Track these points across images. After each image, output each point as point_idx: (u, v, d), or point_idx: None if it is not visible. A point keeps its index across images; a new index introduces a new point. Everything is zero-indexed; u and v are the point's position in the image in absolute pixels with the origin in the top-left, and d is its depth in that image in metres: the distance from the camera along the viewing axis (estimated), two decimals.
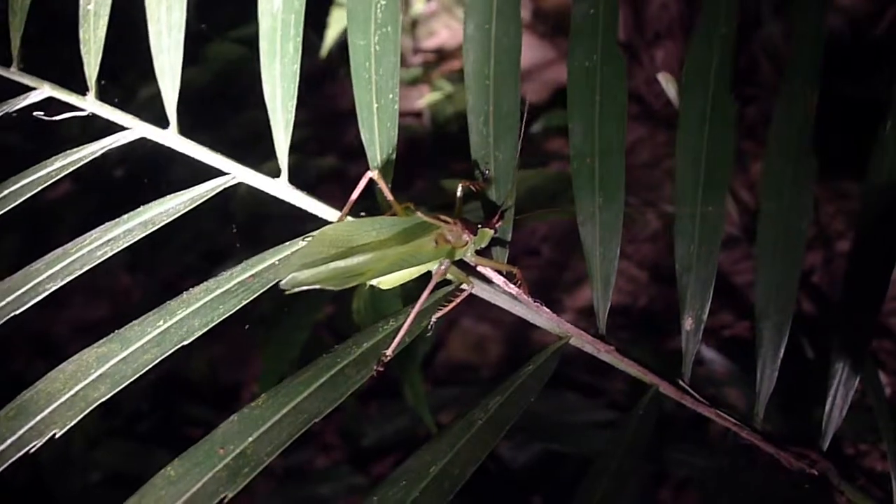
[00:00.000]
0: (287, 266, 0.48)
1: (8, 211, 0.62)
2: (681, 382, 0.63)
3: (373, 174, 0.55)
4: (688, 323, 0.63)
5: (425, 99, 1.95)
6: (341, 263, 0.49)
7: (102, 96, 0.70)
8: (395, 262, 0.52)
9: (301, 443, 0.50)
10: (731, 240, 1.34)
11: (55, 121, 0.68)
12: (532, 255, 1.81)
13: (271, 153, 0.66)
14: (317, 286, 0.47)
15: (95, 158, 0.66)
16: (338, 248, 0.50)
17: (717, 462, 0.87)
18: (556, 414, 1.31)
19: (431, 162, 1.99)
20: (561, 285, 1.73)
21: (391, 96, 0.62)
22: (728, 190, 0.63)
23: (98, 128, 0.74)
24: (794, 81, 0.63)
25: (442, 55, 2.24)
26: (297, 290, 0.47)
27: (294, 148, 0.64)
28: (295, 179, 0.65)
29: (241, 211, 1.62)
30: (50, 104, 0.71)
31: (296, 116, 0.63)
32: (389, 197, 0.57)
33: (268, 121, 0.64)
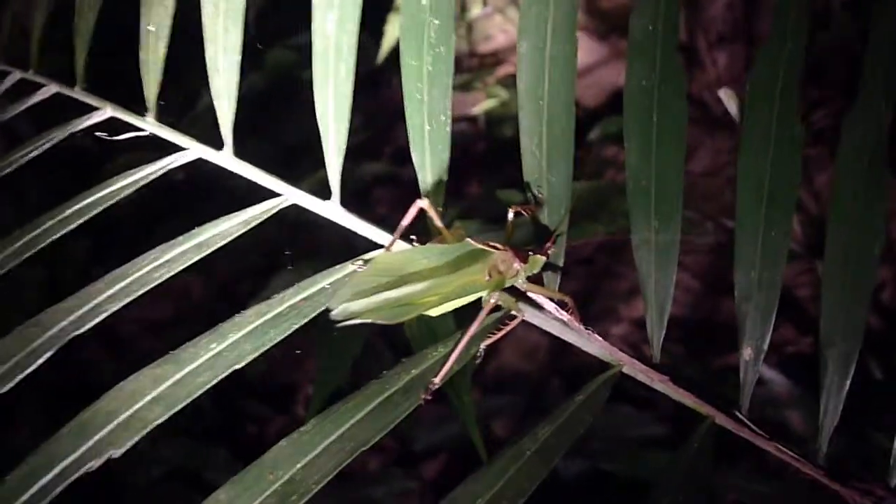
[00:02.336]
0: (338, 296, 0.48)
1: (71, 230, 0.64)
2: (738, 414, 0.60)
3: (423, 203, 0.55)
4: (746, 353, 0.61)
5: (480, 106, 1.94)
6: (392, 294, 0.49)
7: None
8: (447, 294, 0.52)
9: None
10: (794, 253, 1.29)
11: (114, 140, 0.70)
12: (586, 264, 1.78)
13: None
14: (368, 319, 0.48)
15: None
16: (389, 276, 0.50)
17: (775, 489, 0.84)
18: (607, 428, 1.29)
19: (486, 167, 1.98)
20: (616, 295, 1.70)
21: (443, 118, 0.61)
22: (793, 213, 0.60)
23: (141, 143, 0.75)
24: (868, 92, 0.60)
25: (498, 59, 2.23)
26: (348, 322, 0.47)
27: (347, 152, 0.64)
28: (347, 187, 0.65)
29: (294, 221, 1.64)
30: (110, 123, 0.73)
31: (349, 121, 0.63)
32: (440, 225, 0.56)
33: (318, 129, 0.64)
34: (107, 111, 0.72)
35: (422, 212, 0.56)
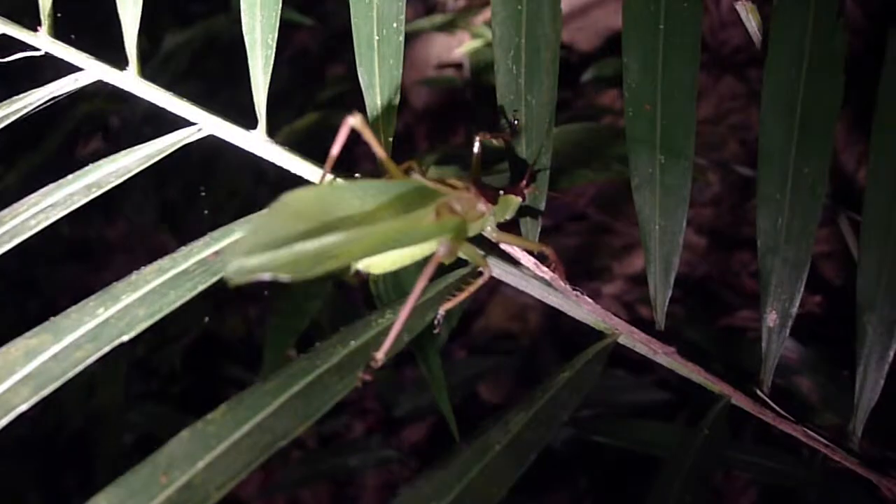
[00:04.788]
0: (235, 249, 0.35)
1: None
2: (759, 393, 0.50)
3: (354, 121, 0.41)
4: (771, 318, 0.49)
5: (465, 47, 1.79)
6: (308, 245, 0.36)
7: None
8: (382, 241, 0.39)
9: (338, 409, 0.42)
10: None
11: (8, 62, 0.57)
12: (578, 220, 1.66)
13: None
14: (270, 275, 0.35)
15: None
16: (306, 223, 0.37)
17: (797, 470, 0.74)
18: (598, 392, 1.18)
19: (472, 115, 1.84)
20: (610, 251, 1.58)
21: (395, 25, 0.49)
22: (831, 146, 0.48)
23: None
24: None
25: (484, 0, 2.07)
26: (244, 281, 0.34)
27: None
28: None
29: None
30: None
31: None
32: (381, 153, 0.43)
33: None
34: None
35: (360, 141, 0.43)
